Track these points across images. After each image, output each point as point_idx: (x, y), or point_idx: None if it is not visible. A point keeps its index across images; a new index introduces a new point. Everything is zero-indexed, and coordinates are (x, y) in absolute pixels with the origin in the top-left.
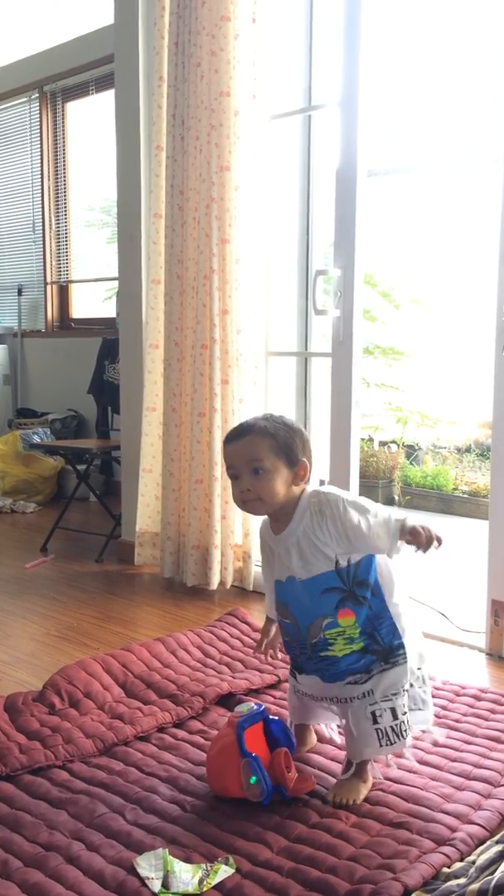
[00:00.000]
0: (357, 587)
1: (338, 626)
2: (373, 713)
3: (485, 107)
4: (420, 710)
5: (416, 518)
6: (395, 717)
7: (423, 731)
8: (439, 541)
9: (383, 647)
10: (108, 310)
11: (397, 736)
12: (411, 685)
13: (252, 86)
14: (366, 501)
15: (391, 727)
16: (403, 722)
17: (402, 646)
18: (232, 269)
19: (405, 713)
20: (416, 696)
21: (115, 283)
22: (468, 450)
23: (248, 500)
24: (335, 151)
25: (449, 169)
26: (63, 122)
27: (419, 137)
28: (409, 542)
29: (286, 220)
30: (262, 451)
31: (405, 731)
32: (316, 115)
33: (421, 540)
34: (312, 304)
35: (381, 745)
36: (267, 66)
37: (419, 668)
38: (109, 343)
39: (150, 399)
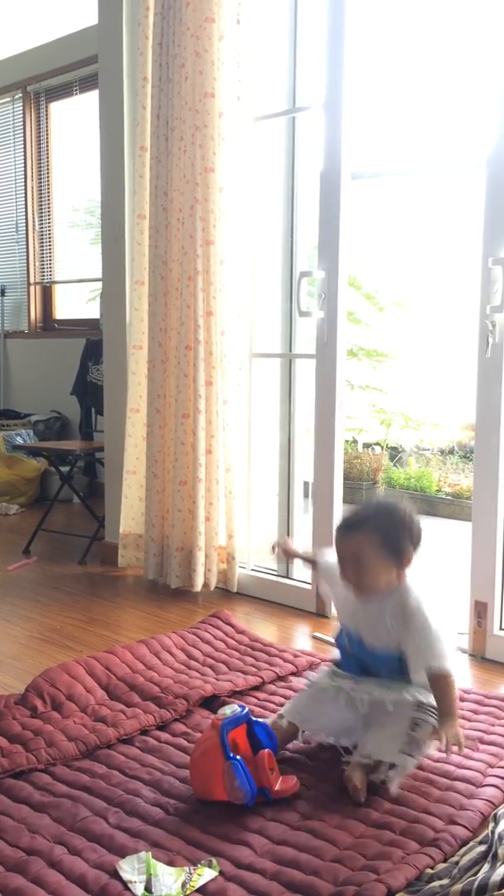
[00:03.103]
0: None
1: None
2: (412, 719)
3: (468, 111)
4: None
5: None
6: (423, 733)
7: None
8: (459, 747)
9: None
10: (92, 311)
11: (415, 750)
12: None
13: (236, 87)
14: (441, 636)
15: (417, 741)
16: (422, 742)
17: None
18: (216, 271)
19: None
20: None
21: (99, 284)
22: (451, 452)
23: (353, 590)
24: (319, 154)
25: (433, 172)
26: (47, 123)
27: (403, 141)
28: (433, 738)
29: (270, 221)
30: (366, 549)
31: (417, 751)
32: (300, 117)
33: (441, 740)
34: (297, 306)
35: (399, 752)
36: (251, 68)
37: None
38: (93, 344)
39: (134, 400)
